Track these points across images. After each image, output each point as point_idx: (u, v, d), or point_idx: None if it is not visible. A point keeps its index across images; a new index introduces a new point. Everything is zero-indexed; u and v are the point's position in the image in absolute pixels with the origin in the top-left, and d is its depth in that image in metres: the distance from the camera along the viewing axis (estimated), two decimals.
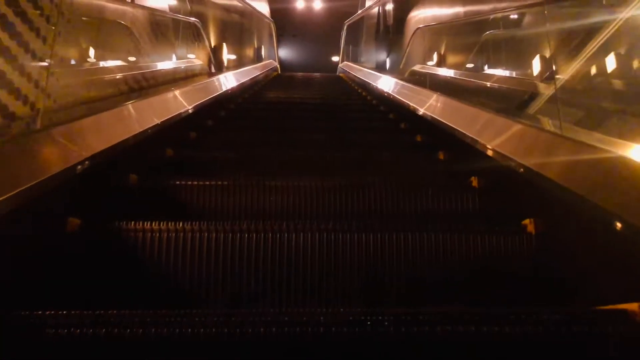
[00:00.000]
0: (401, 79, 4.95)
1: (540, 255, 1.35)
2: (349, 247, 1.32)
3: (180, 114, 2.56)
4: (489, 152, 1.87)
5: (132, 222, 1.32)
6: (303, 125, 3.29)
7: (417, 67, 6.04)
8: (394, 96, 4.25)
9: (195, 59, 4.76)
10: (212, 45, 5.49)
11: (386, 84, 5.11)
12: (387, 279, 1.31)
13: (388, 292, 1.31)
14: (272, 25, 11.68)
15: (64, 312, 0.88)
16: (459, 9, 5.09)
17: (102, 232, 1.34)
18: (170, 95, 2.78)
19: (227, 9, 6.56)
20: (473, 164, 2.00)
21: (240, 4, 7.37)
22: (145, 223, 1.32)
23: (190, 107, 2.83)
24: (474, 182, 1.86)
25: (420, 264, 1.33)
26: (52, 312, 0.88)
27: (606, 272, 1.14)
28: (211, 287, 1.28)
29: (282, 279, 1.28)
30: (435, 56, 5.15)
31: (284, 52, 15.39)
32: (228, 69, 5.94)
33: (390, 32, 7.78)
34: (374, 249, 1.32)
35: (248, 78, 6.00)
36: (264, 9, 12.37)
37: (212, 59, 5.47)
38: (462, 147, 2.17)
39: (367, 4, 10.89)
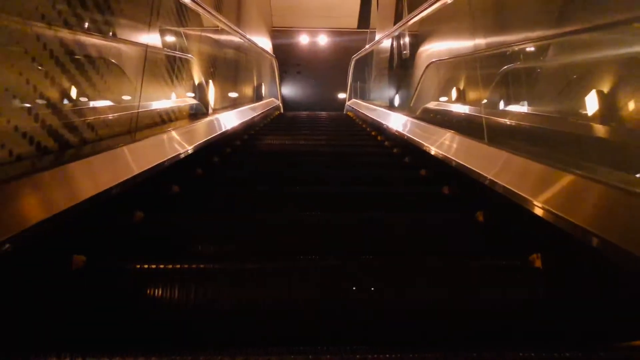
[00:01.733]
0: (429, 120, 3.97)
1: (548, 291, 1.31)
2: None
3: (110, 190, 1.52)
4: None
5: (137, 262, 1.33)
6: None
7: (431, 105, 5.43)
8: (426, 146, 3.24)
9: (173, 99, 3.83)
10: (197, 83, 4.59)
11: (410, 126, 4.12)
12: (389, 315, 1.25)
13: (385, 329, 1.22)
14: (274, 62, 10.89)
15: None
16: (480, 41, 4.34)
17: (106, 269, 1.35)
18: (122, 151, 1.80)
19: (217, 43, 5.70)
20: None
21: (235, 39, 6.53)
22: (150, 263, 1.32)
23: (145, 168, 1.83)
24: None
25: (425, 299, 1.28)
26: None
27: (617, 308, 1.09)
28: (217, 328, 1.23)
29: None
30: (454, 92, 4.54)
31: (288, 90, 14.61)
32: (223, 109, 5.02)
33: (408, 66, 6.93)
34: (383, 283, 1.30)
35: (242, 120, 5.06)
36: (266, 44, 11.65)
37: (198, 98, 4.56)
38: None
39: (377, 37, 10.12)
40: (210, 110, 4.68)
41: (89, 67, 2.09)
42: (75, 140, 1.87)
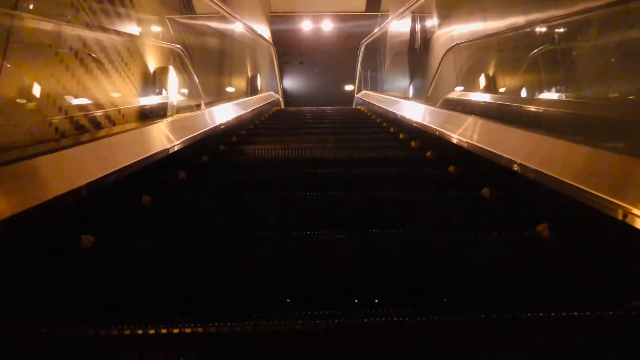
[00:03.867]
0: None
1: (556, 259, 1.31)
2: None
3: None
4: None
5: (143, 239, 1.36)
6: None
7: (453, 95, 4.42)
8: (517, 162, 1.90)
9: (108, 96, 2.51)
10: (153, 73, 3.26)
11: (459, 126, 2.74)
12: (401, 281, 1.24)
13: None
14: (273, 50, 9.53)
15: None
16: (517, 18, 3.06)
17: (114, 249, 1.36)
18: None
19: (190, 20, 4.36)
20: None
21: (220, 24, 5.19)
22: (157, 239, 1.38)
23: None
24: None
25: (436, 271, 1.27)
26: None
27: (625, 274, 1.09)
28: (224, 300, 1.18)
29: None
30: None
31: (289, 82, 13.21)
32: (197, 107, 3.70)
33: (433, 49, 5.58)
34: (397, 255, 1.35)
35: (222, 122, 3.73)
36: (264, 31, 10.26)
37: (155, 94, 3.23)
38: None
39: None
40: (172, 110, 3.35)
41: None
42: None
